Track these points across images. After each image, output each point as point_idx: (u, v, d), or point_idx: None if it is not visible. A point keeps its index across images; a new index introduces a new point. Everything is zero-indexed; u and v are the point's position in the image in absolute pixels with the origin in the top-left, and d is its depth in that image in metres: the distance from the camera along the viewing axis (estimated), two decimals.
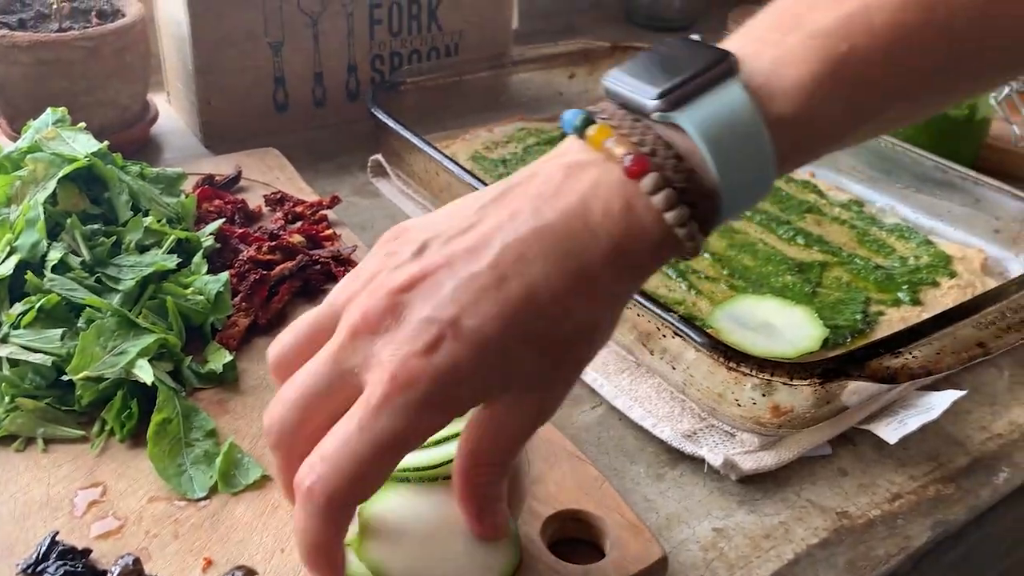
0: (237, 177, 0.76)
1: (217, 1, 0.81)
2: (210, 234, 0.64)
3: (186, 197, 0.68)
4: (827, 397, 0.50)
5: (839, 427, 0.55)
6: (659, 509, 0.50)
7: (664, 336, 0.53)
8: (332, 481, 0.33)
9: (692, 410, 0.55)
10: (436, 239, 0.36)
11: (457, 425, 0.37)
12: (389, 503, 0.40)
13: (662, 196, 0.33)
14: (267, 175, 0.78)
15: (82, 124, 0.65)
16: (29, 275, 0.55)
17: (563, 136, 0.38)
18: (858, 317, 0.62)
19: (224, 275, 0.60)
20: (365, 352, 0.34)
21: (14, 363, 0.52)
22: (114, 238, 0.60)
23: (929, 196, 0.77)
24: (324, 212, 0.72)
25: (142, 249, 0.60)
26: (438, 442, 0.41)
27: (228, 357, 0.56)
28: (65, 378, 0.51)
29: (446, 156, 0.69)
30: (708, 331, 0.53)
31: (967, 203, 0.74)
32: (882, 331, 0.62)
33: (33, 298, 0.54)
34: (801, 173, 0.84)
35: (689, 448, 0.53)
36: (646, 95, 0.35)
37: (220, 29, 0.82)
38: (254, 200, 0.73)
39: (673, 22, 1.28)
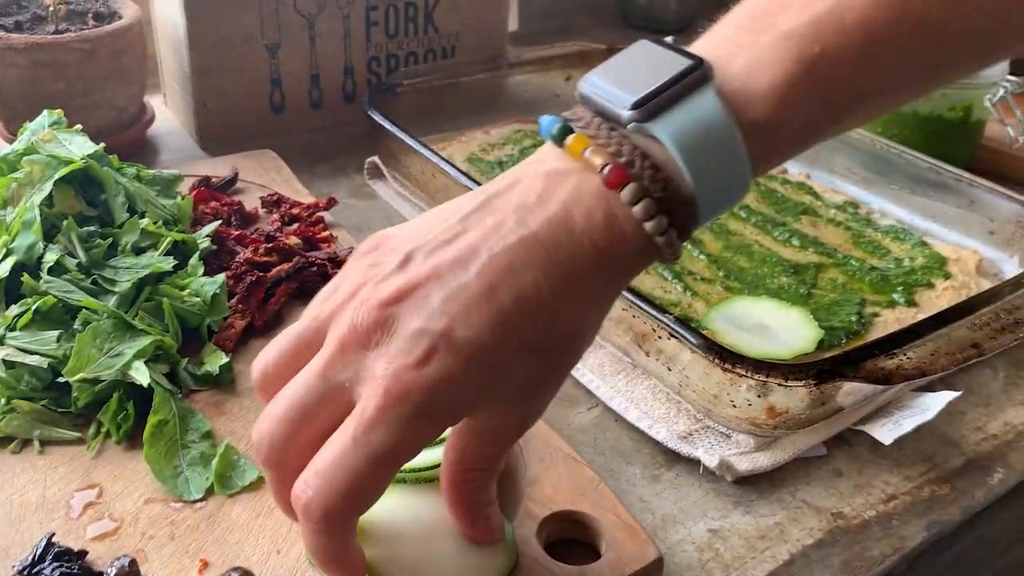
0: (234, 179, 0.76)
1: (214, 3, 0.81)
2: (206, 236, 0.64)
3: (182, 199, 0.68)
4: (822, 398, 0.50)
5: (834, 428, 0.55)
6: (655, 510, 0.50)
7: (660, 338, 0.53)
8: (329, 497, 0.33)
9: (688, 411, 0.55)
10: (419, 250, 0.36)
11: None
12: (386, 505, 0.40)
13: (641, 207, 0.34)
14: (263, 177, 0.78)
15: (78, 126, 0.66)
16: (25, 277, 0.55)
17: None
18: (853, 318, 0.63)
19: (220, 277, 0.60)
20: (356, 366, 0.34)
21: (10, 365, 0.52)
22: (110, 240, 0.60)
23: (924, 198, 0.77)
24: (321, 214, 0.72)
25: (138, 251, 0.60)
26: (433, 444, 0.41)
27: (224, 359, 0.56)
28: (61, 380, 0.51)
29: (442, 158, 0.70)
30: (704, 332, 0.53)
31: (962, 205, 0.74)
32: (877, 332, 0.62)
33: (29, 300, 0.54)
34: (797, 175, 0.84)
35: (685, 449, 0.53)
36: (621, 104, 0.35)
37: (217, 31, 0.82)
38: (250, 202, 0.73)
39: (670, 24, 1.28)
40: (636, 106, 0.34)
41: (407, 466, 0.40)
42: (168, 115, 0.92)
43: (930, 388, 0.58)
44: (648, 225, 0.34)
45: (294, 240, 0.66)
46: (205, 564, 0.43)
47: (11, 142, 0.70)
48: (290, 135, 0.89)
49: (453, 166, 0.68)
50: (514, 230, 0.35)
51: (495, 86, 0.94)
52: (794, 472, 0.53)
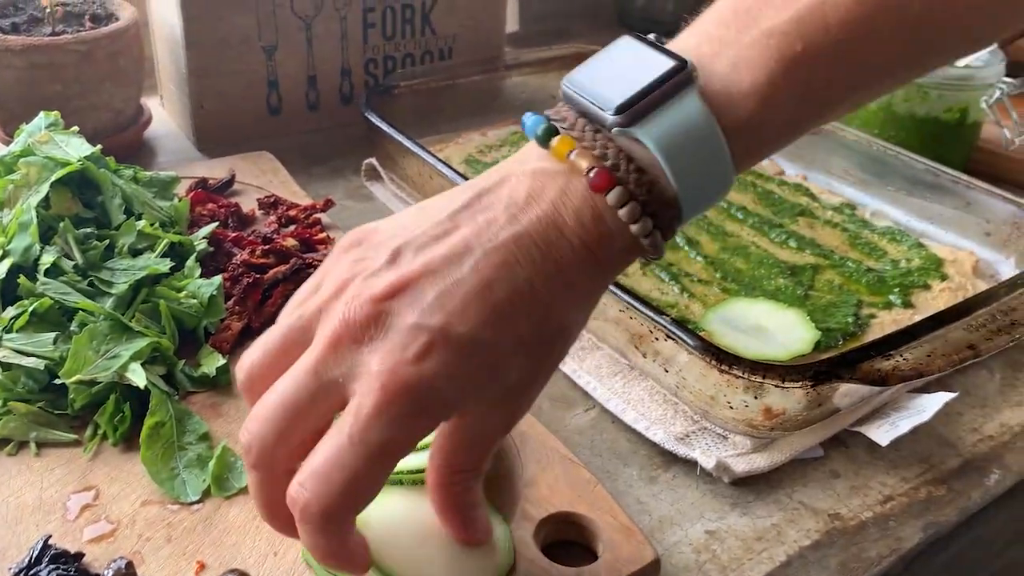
0: (231, 181, 0.76)
1: (211, 5, 0.81)
2: (203, 238, 0.64)
3: (179, 201, 0.68)
4: (819, 399, 0.50)
5: (831, 429, 0.55)
6: (652, 511, 0.50)
7: (657, 339, 0.53)
8: (326, 497, 0.33)
9: (685, 413, 0.55)
10: (408, 245, 0.35)
11: None
12: (383, 506, 0.40)
13: (627, 210, 0.35)
14: (260, 179, 0.78)
15: (75, 128, 0.66)
16: (22, 279, 0.55)
17: None
18: (850, 320, 0.63)
19: (217, 279, 0.60)
20: (349, 362, 0.34)
21: (7, 367, 0.52)
22: (107, 242, 0.60)
23: (920, 199, 0.77)
24: (318, 216, 0.72)
25: (135, 253, 0.60)
26: (429, 445, 0.41)
27: (221, 361, 0.56)
28: (58, 382, 0.51)
29: (440, 160, 0.70)
30: (700, 334, 0.53)
31: (958, 206, 0.74)
32: (874, 334, 0.62)
33: (26, 302, 0.54)
34: (794, 176, 0.84)
35: (682, 451, 0.53)
36: (605, 107, 0.35)
37: (214, 33, 0.82)
38: (247, 204, 0.74)
39: (666, 25, 1.28)
40: (620, 110, 0.35)
41: (403, 467, 0.40)
42: (165, 117, 0.92)
43: (926, 389, 0.58)
44: (634, 228, 0.35)
45: (291, 242, 0.66)
46: (202, 566, 0.43)
47: (8, 144, 0.70)
48: (287, 137, 0.89)
49: (450, 168, 0.68)
50: (506, 227, 0.35)
51: (492, 88, 0.94)
52: (791, 473, 0.53)
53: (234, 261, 0.63)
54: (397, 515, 0.40)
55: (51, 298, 0.54)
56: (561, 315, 0.36)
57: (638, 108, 0.35)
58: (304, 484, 0.33)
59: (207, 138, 0.86)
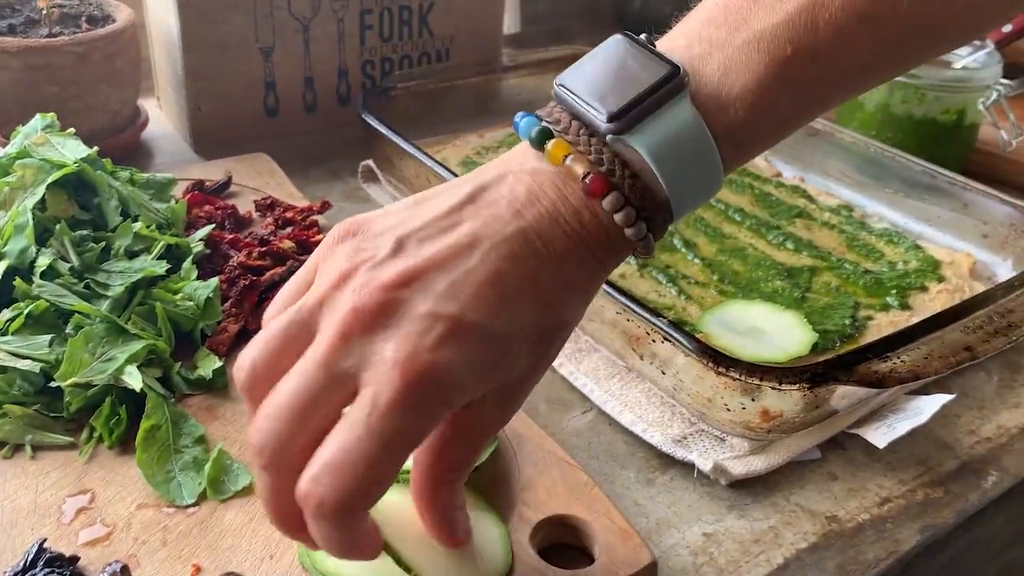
0: (227, 182, 0.76)
1: (208, 6, 0.81)
2: (200, 240, 0.64)
3: (176, 202, 0.68)
4: (816, 402, 0.50)
5: (828, 431, 0.55)
6: (649, 514, 0.50)
7: (654, 341, 0.53)
8: (342, 491, 0.32)
9: (682, 415, 0.55)
10: (411, 237, 0.35)
11: None
12: (382, 508, 0.40)
13: (622, 215, 0.35)
14: (257, 180, 0.78)
15: (71, 130, 0.65)
16: (18, 281, 0.55)
17: None
18: (847, 322, 0.63)
19: (214, 281, 0.59)
20: (361, 351, 0.33)
21: (2, 369, 0.52)
22: (103, 244, 0.60)
23: (918, 201, 0.77)
24: (315, 217, 0.72)
25: (131, 255, 0.60)
26: None
27: (217, 363, 0.55)
28: (53, 384, 0.51)
29: (437, 162, 0.69)
30: (698, 336, 0.53)
31: (956, 208, 0.74)
32: (871, 336, 0.62)
33: (21, 304, 0.54)
34: (791, 178, 0.84)
35: (679, 453, 0.53)
36: (598, 114, 0.36)
37: (211, 34, 0.82)
38: (244, 205, 0.73)
39: (664, 26, 1.28)
40: (613, 117, 0.35)
41: (405, 468, 0.40)
42: (162, 118, 0.92)
43: (924, 391, 0.58)
44: (629, 231, 0.36)
45: (288, 244, 0.66)
46: (197, 569, 0.43)
47: (4, 146, 0.69)
48: (284, 138, 0.88)
49: (448, 169, 0.68)
50: (511, 222, 0.35)
51: (490, 89, 0.94)
52: (788, 476, 0.53)
53: (231, 263, 0.63)
54: (397, 516, 0.40)
55: (47, 300, 0.54)
56: (562, 310, 0.36)
57: (631, 116, 0.35)
58: (318, 479, 0.32)
59: (204, 140, 0.86)
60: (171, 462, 0.49)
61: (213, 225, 0.67)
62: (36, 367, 0.52)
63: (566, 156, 0.36)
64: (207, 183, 0.75)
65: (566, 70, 0.38)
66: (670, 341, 0.52)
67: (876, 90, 0.86)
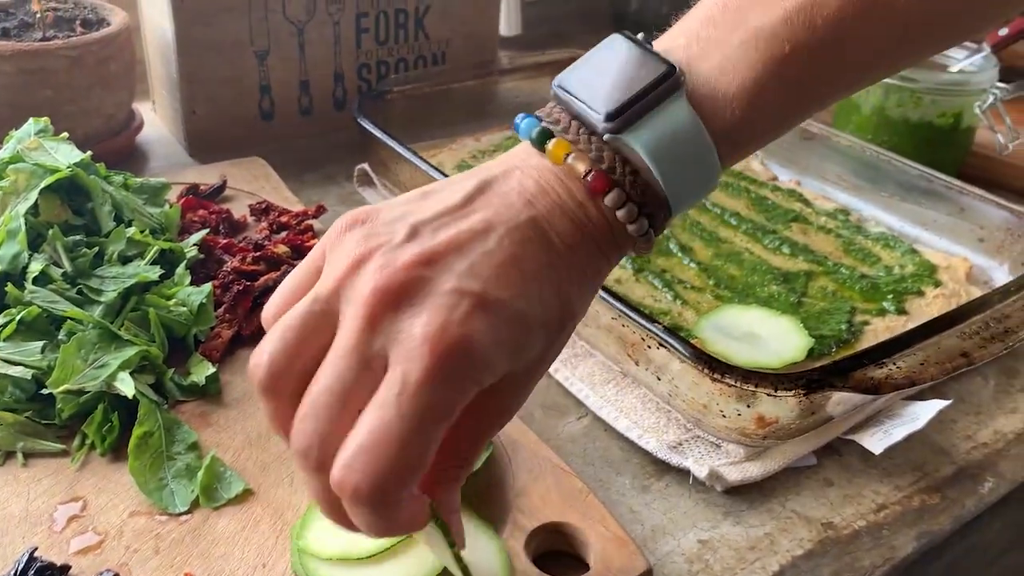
0: (222, 187, 0.76)
1: (203, 9, 0.81)
2: (194, 245, 0.64)
3: (170, 207, 0.68)
4: (812, 408, 0.50)
5: (824, 437, 0.55)
6: (644, 521, 0.50)
7: (650, 347, 0.53)
8: (378, 474, 0.31)
9: (677, 421, 0.55)
10: (425, 224, 0.35)
11: None
12: None
13: (624, 211, 0.36)
14: (252, 184, 0.78)
15: (65, 134, 0.65)
16: (10, 287, 0.55)
17: None
18: (843, 327, 0.62)
19: (207, 286, 0.59)
20: (388, 330, 0.32)
21: None
22: (96, 249, 0.59)
23: (914, 205, 0.77)
24: (310, 222, 0.72)
25: (125, 260, 0.60)
26: None
27: (211, 369, 0.55)
28: (45, 391, 0.51)
29: (432, 166, 0.69)
30: (693, 342, 0.52)
31: (952, 212, 0.74)
32: (867, 341, 0.62)
33: (13, 310, 0.54)
34: (787, 182, 0.84)
35: (675, 459, 0.53)
36: (596, 113, 0.36)
37: (206, 38, 0.82)
38: (239, 210, 0.73)
39: (662, 28, 1.28)
40: (611, 117, 0.36)
41: None
42: (157, 122, 0.92)
43: (920, 397, 0.58)
44: (631, 227, 0.36)
45: (282, 249, 0.66)
46: None
47: None
48: (279, 142, 0.88)
49: (444, 174, 0.68)
50: (524, 211, 0.36)
51: (486, 93, 0.94)
52: (784, 482, 0.53)
53: (225, 268, 0.63)
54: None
55: (39, 306, 0.54)
56: (571, 298, 0.37)
57: (628, 115, 0.36)
58: (352, 465, 0.31)
59: (199, 143, 0.86)
60: (164, 469, 0.49)
61: (207, 230, 0.67)
62: (28, 373, 0.51)
63: (567, 155, 0.36)
64: (202, 187, 0.75)
65: (564, 70, 0.38)
66: (665, 347, 0.52)
67: (872, 93, 0.86)
